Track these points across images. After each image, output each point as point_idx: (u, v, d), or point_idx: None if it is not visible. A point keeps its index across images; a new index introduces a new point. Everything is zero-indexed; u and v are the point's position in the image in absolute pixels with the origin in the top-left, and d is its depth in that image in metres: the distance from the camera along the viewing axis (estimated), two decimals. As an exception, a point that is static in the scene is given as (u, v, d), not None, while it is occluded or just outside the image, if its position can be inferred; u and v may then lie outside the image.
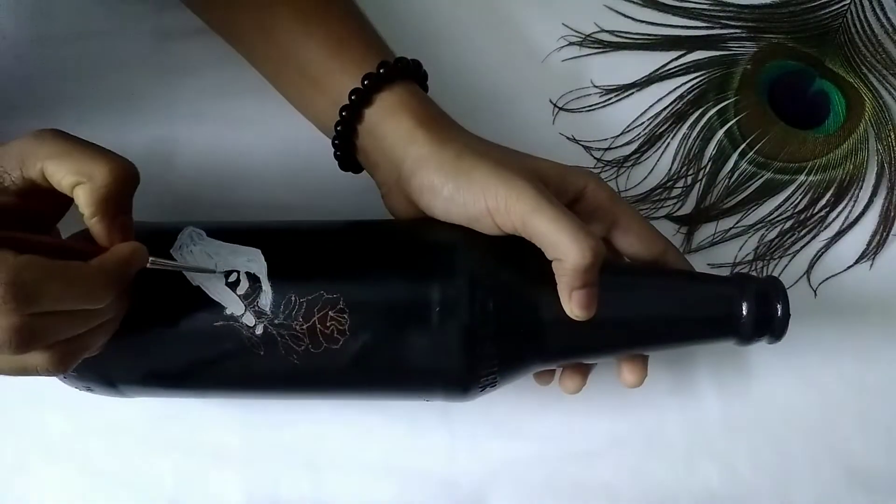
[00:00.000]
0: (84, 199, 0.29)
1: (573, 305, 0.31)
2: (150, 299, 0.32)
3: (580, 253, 0.30)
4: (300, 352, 0.32)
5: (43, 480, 0.40)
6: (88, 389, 0.35)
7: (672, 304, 0.34)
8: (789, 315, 0.33)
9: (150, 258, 0.30)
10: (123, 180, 0.29)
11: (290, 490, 0.40)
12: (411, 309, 0.32)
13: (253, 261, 0.32)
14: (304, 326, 0.31)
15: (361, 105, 0.36)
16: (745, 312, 0.33)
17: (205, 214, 0.42)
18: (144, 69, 0.45)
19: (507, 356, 0.33)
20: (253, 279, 0.32)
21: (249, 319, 0.32)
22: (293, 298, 0.32)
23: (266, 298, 0.32)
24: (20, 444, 0.41)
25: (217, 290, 0.32)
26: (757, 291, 0.33)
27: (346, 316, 0.31)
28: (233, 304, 0.32)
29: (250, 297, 0.32)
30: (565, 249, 0.31)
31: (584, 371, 0.37)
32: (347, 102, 0.35)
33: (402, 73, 0.36)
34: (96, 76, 0.45)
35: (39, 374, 0.29)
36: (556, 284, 0.32)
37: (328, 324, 0.31)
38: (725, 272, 0.43)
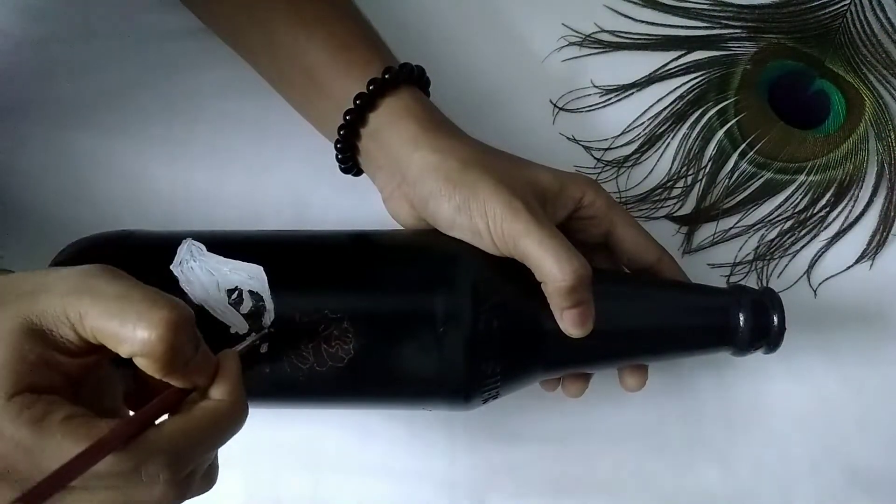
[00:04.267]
0: (147, 369, 0.25)
1: (566, 324, 0.32)
2: None
3: (561, 276, 0.31)
4: (305, 369, 0.32)
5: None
6: None
7: (670, 315, 0.35)
8: (785, 325, 0.34)
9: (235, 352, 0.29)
10: (179, 340, 0.25)
11: (290, 490, 0.40)
12: (415, 326, 0.32)
13: (255, 278, 0.32)
14: (309, 345, 0.31)
15: (366, 109, 0.36)
16: (741, 323, 0.34)
17: (203, 214, 0.42)
18: (144, 69, 0.45)
19: (510, 369, 0.33)
20: (256, 297, 0.32)
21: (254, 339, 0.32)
22: (297, 318, 0.32)
23: (269, 317, 0.32)
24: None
25: (221, 310, 0.32)
26: (753, 302, 0.34)
27: (350, 335, 0.31)
28: (237, 324, 0.32)
29: (254, 317, 0.32)
30: (548, 272, 0.31)
31: (585, 377, 0.38)
32: (352, 106, 0.35)
33: (407, 79, 0.36)
34: (96, 76, 0.45)
35: None
36: None
37: (333, 343, 0.31)
38: (725, 272, 0.43)
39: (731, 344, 0.35)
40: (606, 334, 0.33)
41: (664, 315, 0.35)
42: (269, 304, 0.32)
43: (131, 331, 0.24)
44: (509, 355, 0.33)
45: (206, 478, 0.28)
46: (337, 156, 0.38)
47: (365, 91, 0.35)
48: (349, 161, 0.38)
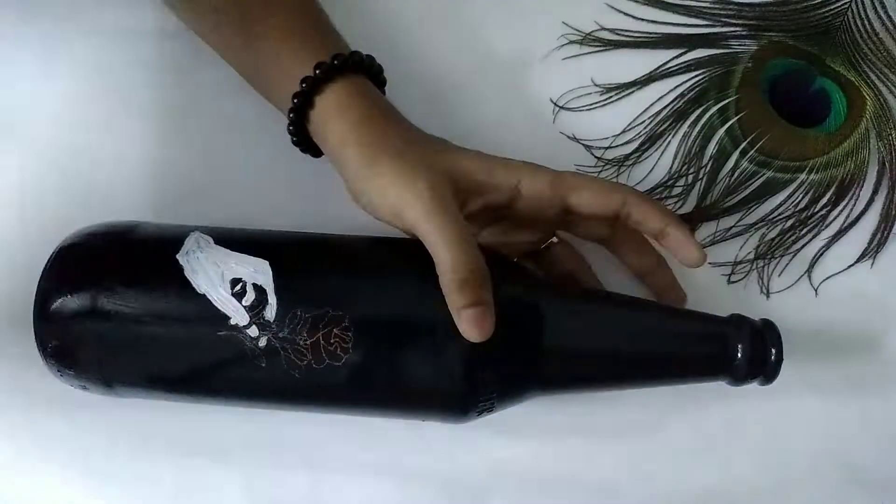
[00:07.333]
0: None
1: (463, 325, 0.31)
2: (155, 303, 0.32)
3: (452, 265, 0.31)
4: (302, 366, 0.32)
5: (42, 480, 0.40)
6: (84, 388, 0.35)
7: (669, 340, 0.35)
8: (783, 358, 0.34)
9: None
10: None
11: (290, 490, 0.40)
12: (415, 332, 0.32)
13: (260, 272, 0.32)
14: (308, 342, 0.31)
15: (313, 94, 0.35)
16: (739, 354, 0.34)
17: (202, 215, 0.42)
18: (144, 69, 0.45)
19: (507, 385, 0.33)
20: (259, 291, 0.32)
21: (253, 331, 0.32)
22: (299, 313, 0.32)
23: (271, 311, 0.32)
24: (20, 444, 0.41)
25: (222, 300, 0.32)
26: (752, 332, 0.34)
27: (350, 334, 0.31)
28: (238, 315, 0.32)
29: (255, 309, 0.32)
30: (441, 259, 0.31)
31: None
32: (298, 90, 0.35)
33: (356, 67, 0.36)
34: (96, 76, 0.45)
35: None
36: (554, 313, 0.32)
37: (332, 341, 0.31)
38: (726, 271, 0.43)
39: (728, 373, 0.34)
40: (604, 355, 0.34)
41: (664, 339, 0.35)
42: (272, 297, 0.32)
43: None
44: (507, 372, 0.33)
45: None
46: (292, 139, 0.38)
47: (312, 75, 0.35)
48: (304, 144, 0.38)
